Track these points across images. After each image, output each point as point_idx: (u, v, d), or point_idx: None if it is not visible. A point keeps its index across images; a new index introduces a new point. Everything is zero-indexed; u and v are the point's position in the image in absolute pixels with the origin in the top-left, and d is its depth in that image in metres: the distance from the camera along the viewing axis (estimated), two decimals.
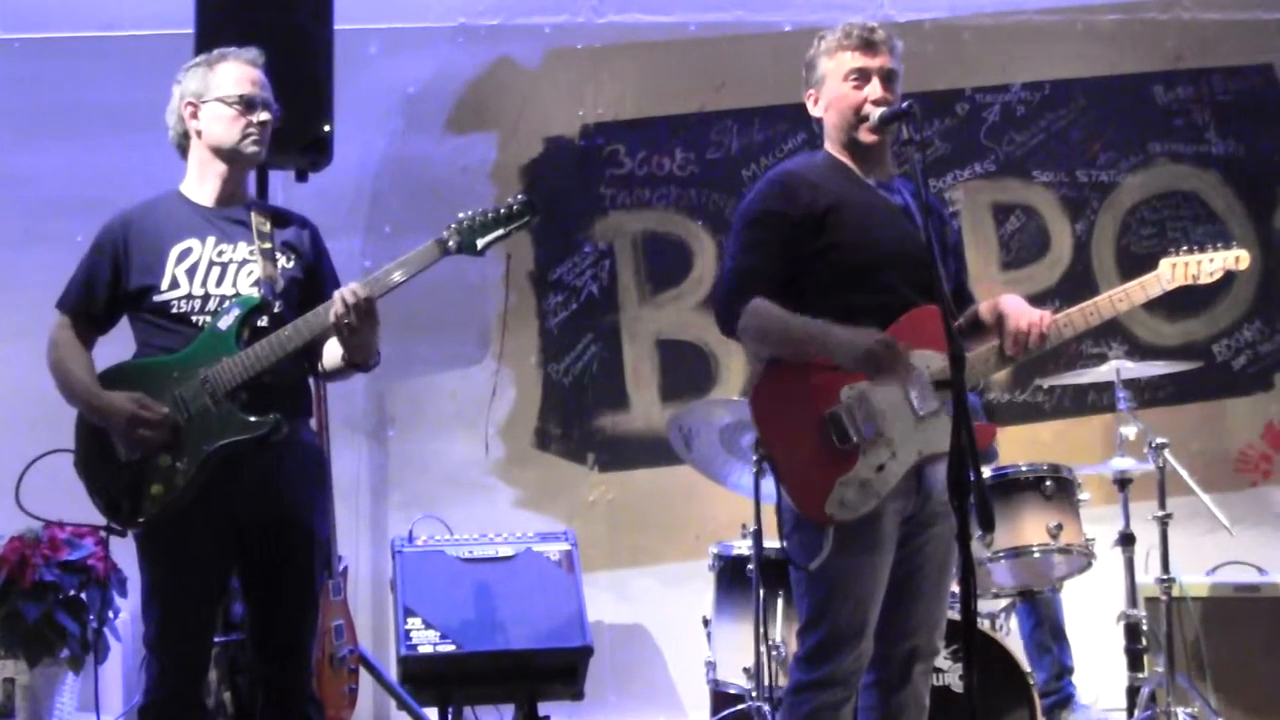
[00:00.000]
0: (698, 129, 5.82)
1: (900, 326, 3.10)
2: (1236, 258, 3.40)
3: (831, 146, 3.27)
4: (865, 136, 3.19)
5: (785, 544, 3.20)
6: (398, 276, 3.17)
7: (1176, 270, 3.34)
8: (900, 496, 3.09)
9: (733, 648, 4.41)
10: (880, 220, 3.17)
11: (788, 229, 3.13)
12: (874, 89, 3.17)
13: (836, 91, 3.21)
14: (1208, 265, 3.36)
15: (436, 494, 5.50)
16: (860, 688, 3.18)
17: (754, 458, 3.89)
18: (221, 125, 3.31)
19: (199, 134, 3.34)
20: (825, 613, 3.08)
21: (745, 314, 3.10)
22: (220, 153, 3.33)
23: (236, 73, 3.33)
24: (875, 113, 3.15)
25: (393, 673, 4.83)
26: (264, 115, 3.32)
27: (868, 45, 3.19)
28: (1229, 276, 3.47)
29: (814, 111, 3.30)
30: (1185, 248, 3.38)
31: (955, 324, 2.85)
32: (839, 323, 3.06)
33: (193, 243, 3.28)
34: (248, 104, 3.31)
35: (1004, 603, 4.59)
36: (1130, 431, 4.60)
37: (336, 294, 3.14)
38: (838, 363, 3.03)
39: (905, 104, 3.03)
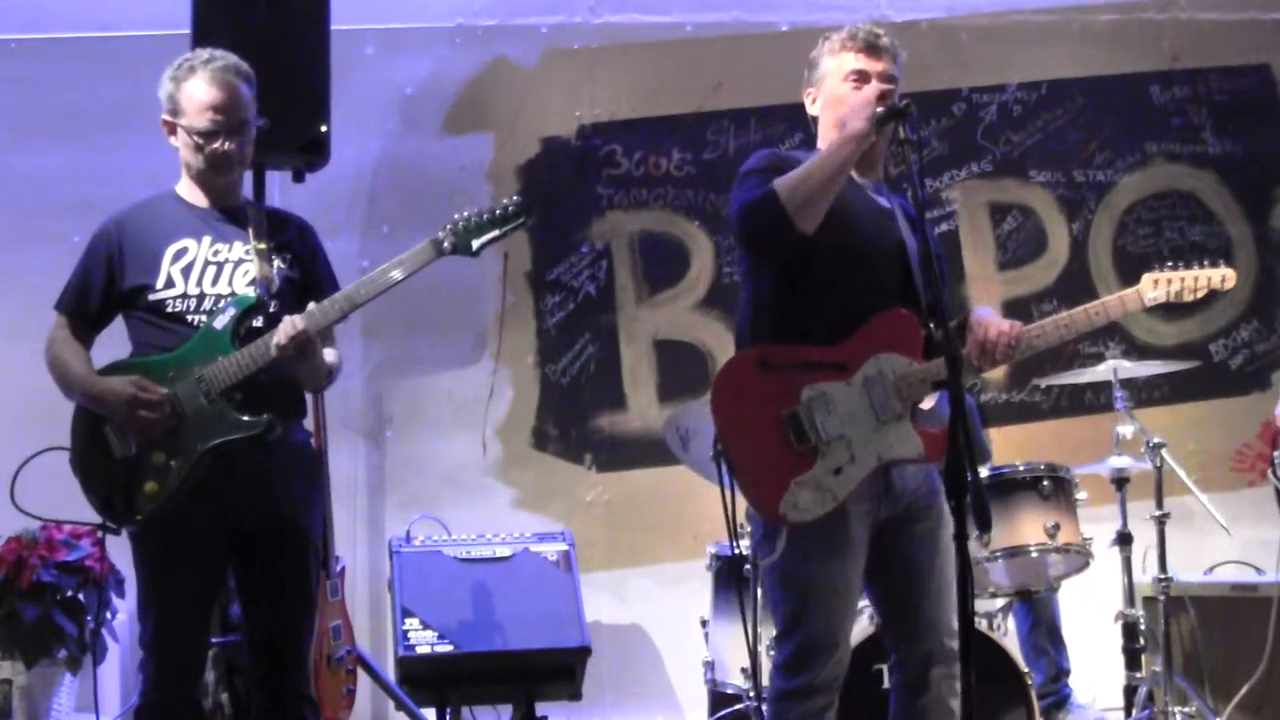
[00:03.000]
0: (694, 129, 5.82)
1: (870, 329, 3.08)
2: (1222, 277, 3.32)
3: (824, 144, 3.26)
4: None
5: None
6: (398, 274, 3.18)
7: (1159, 286, 3.27)
8: (866, 500, 3.07)
9: (730, 648, 4.42)
10: (862, 219, 3.14)
11: None
12: (871, 91, 3.17)
13: (835, 91, 3.20)
14: (1190, 283, 3.28)
15: (434, 494, 5.50)
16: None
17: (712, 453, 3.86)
18: (189, 152, 3.30)
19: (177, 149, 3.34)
20: (800, 622, 3.06)
21: (776, 192, 3.01)
22: (190, 172, 3.34)
23: (199, 99, 3.25)
24: None
25: (390, 673, 4.83)
26: (226, 145, 3.26)
27: (871, 48, 3.19)
28: None
29: (810, 110, 3.29)
30: (1170, 264, 3.30)
31: (949, 323, 2.84)
32: (815, 319, 3.08)
33: (188, 242, 3.28)
34: (207, 136, 3.26)
35: (1001, 602, 4.58)
36: (1127, 431, 4.60)
37: (282, 324, 3.14)
38: (849, 137, 2.99)
39: (903, 103, 3.02)
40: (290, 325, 3.14)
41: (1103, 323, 3.24)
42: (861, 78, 3.18)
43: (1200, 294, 3.30)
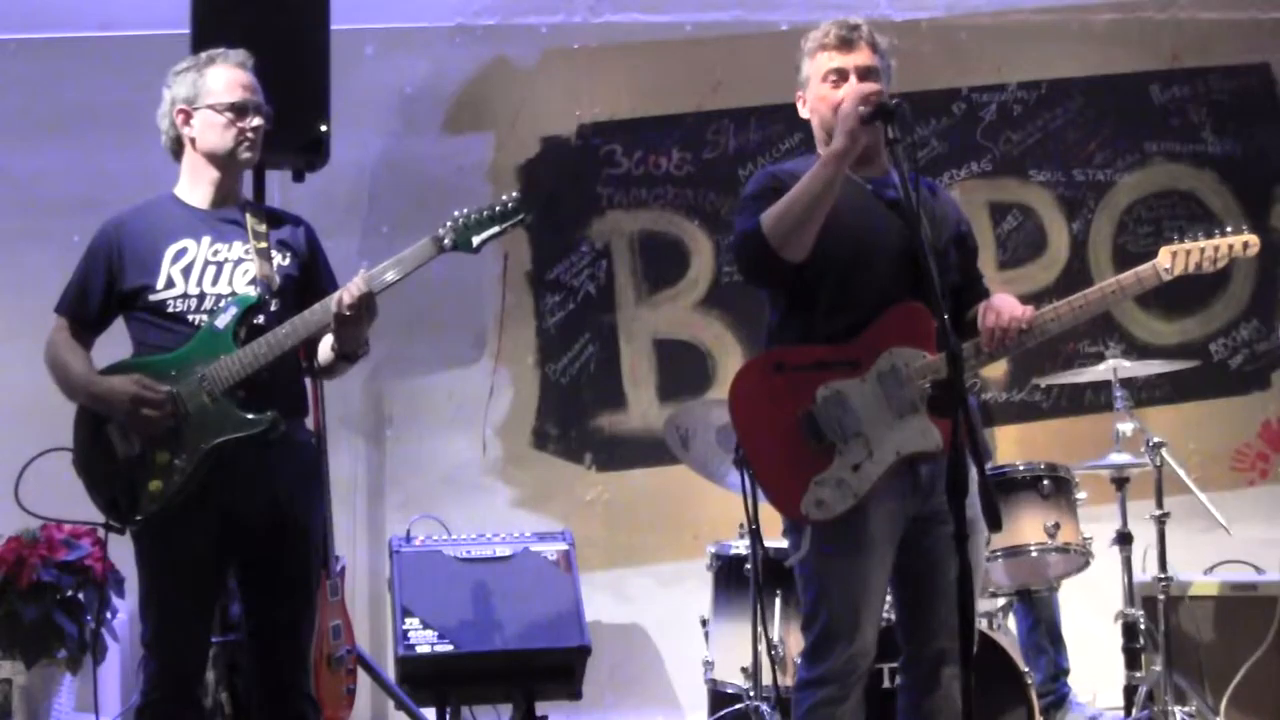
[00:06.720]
0: (694, 129, 5.82)
1: (881, 324, 3.09)
2: (1245, 243, 3.14)
3: (820, 148, 3.25)
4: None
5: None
6: (393, 274, 3.20)
7: (1178, 259, 3.11)
8: (894, 497, 3.07)
9: (730, 647, 4.41)
10: (867, 215, 3.13)
11: None
12: (850, 101, 3.15)
13: (817, 93, 3.21)
14: (1211, 254, 3.11)
15: (434, 494, 5.50)
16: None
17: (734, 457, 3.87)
18: (215, 132, 3.31)
19: (192, 141, 3.34)
20: (818, 612, 3.10)
21: (761, 226, 3.03)
22: (214, 159, 3.33)
23: (226, 77, 3.33)
24: None
25: (390, 673, 4.83)
26: (256, 120, 3.32)
27: (844, 43, 3.18)
28: (1226, 273, 3.33)
29: (802, 113, 3.29)
30: (1190, 234, 3.15)
31: (946, 319, 2.83)
32: (827, 320, 3.09)
33: (188, 243, 3.29)
34: (239, 110, 3.31)
35: (1001, 602, 4.58)
36: (1128, 430, 4.60)
37: (341, 290, 3.18)
38: (830, 157, 2.98)
39: (892, 101, 3.00)
40: (355, 287, 3.16)
41: (1119, 300, 3.17)
42: (839, 75, 3.17)
43: (1222, 264, 3.14)
